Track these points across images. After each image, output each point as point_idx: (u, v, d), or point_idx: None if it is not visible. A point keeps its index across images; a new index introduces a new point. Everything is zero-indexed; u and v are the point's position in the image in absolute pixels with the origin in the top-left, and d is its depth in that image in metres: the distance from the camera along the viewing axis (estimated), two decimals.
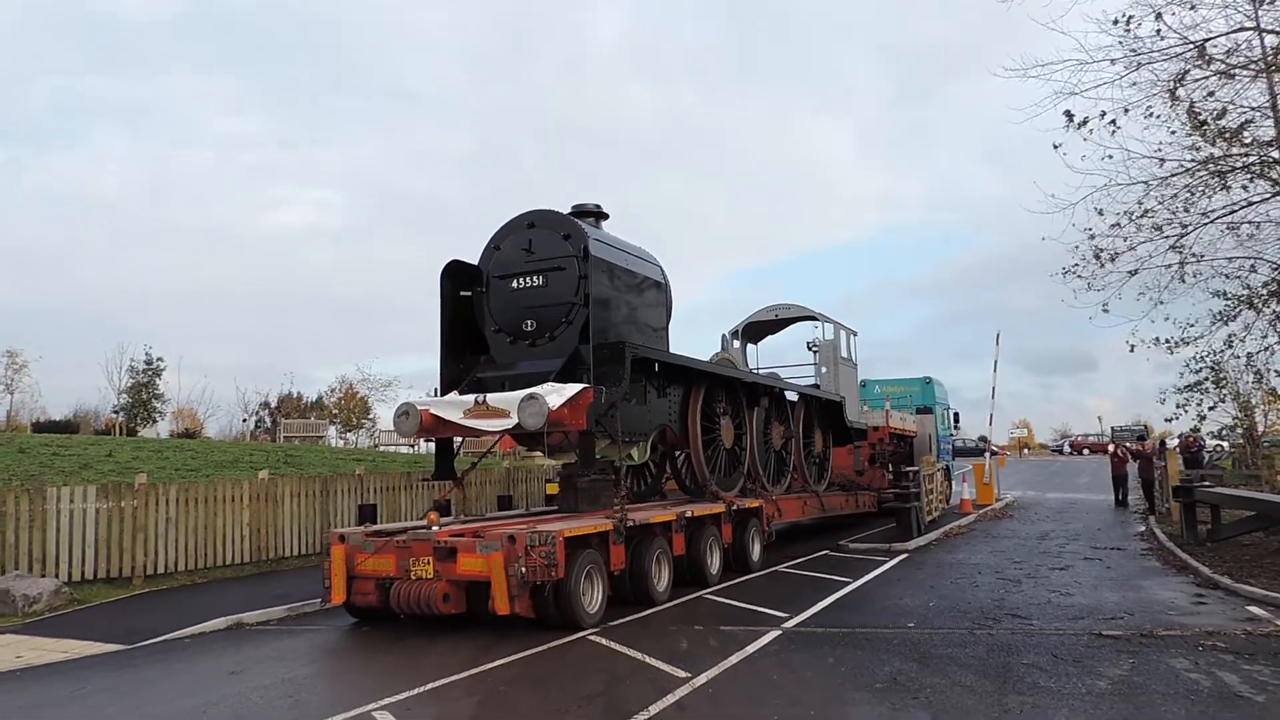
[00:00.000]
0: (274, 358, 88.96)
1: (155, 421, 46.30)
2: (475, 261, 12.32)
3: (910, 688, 7.14)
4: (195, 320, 73.62)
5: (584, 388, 10.52)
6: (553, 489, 16.14)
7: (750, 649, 8.47)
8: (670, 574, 11.43)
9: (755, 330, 20.18)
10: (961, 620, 9.68)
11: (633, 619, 10.06)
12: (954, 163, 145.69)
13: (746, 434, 14.80)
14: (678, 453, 14.92)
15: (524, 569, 9.20)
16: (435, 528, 10.33)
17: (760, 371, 18.41)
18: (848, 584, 12.25)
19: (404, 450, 40.31)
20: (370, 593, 10.10)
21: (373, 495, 16.62)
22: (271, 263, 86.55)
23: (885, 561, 14.53)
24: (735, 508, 13.42)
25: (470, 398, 10.86)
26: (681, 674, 7.61)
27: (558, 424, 10.32)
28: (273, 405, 54.71)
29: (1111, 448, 26.96)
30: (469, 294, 12.27)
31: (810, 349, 20.03)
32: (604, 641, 8.96)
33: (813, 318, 19.48)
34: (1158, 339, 16.06)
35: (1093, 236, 15.25)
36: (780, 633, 9.19)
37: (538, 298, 11.81)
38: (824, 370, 19.07)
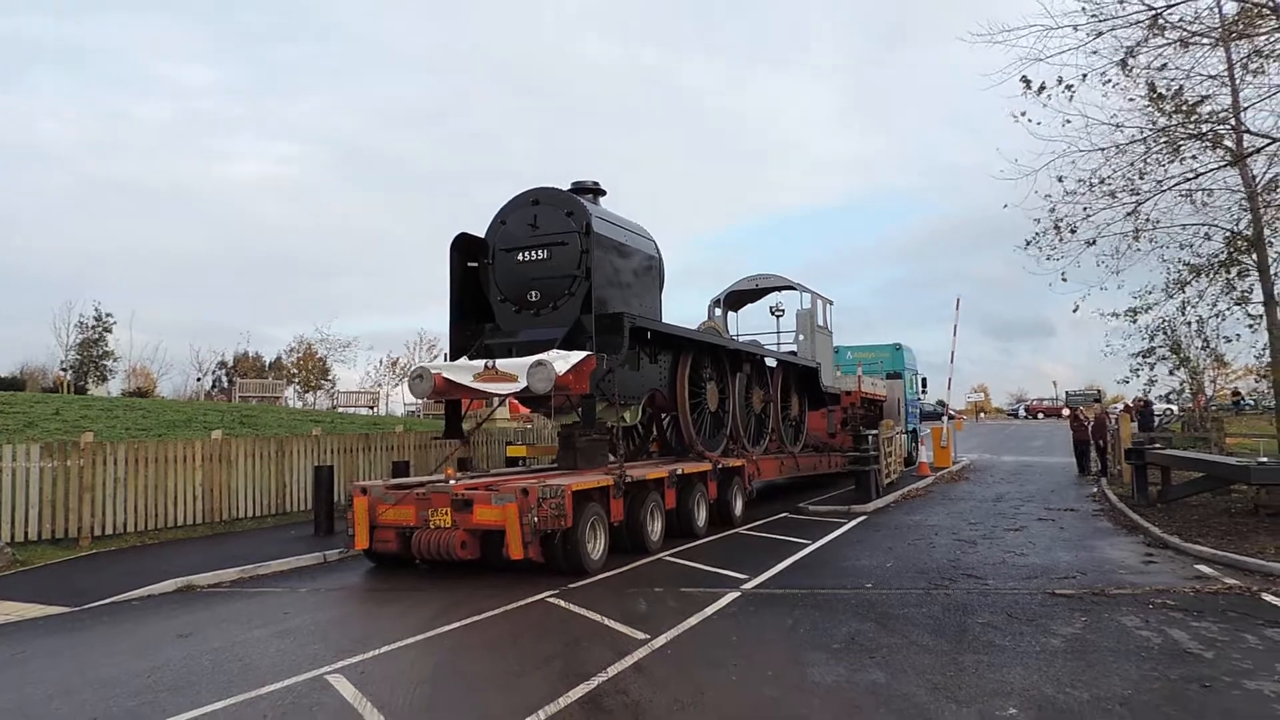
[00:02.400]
0: (230, 316, 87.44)
1: (106, 380, 45.33)
2: (482, 235, 13.13)
3: (868, 647, 7.17)
4: (147, 276, 72.07)
5: (588, 355, 11.46)
6: (515, 451, 16.20)
7: (709, 610, 8.45)
8: (663, 526, 12.38)
9: (736, 299, 20.98)
10: (918, 581, 9.77)
11: (608, 576, 10.04)
12: (922, 126, 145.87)
13: (730, 398, 15.67)
14: (664, 415, 15.90)
15: (536, 519, 10.11)
16: (453, 481, 11.31)
17: (742, 338, 19.30)
18: (806, 546, 12.32)
19: (363, 412, 39.92)
20: (391, 540, 11.02)
21: (330, 456, 16.40)
22: (226, 218, 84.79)
23: (844, 524, 14.65)
24: (720, 466, 14.35)
25: (480, 362, 11.83)
26: (640, 635, 7.57)
27: (563, 388, 11.26)
28: (229, 365, 53.86)
29: (1067, 412, 27.42)
30: (475, 265, 13.16)
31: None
32: (563, 604, 8.91)
33: (791, 287, 20.32)
34: (1115, 313, 16.26)
35: (1054, 208, 15.31)
36: (739, 594, 9.19)
37: (542, 270, 12.67)
38: (801, 338, 19.94)
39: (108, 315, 45.56)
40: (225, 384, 51.46)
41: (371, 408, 43.04)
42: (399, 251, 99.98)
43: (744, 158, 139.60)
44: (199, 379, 50.55)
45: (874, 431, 18.63)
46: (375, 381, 58.78)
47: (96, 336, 44.72)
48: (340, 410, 39.95)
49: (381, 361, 60.66)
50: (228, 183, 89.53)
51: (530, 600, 9.07)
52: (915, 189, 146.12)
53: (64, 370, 43.34)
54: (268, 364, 57.23)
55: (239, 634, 8.09)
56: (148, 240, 79.81)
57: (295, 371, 55.71)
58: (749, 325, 21.31)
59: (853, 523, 14.77)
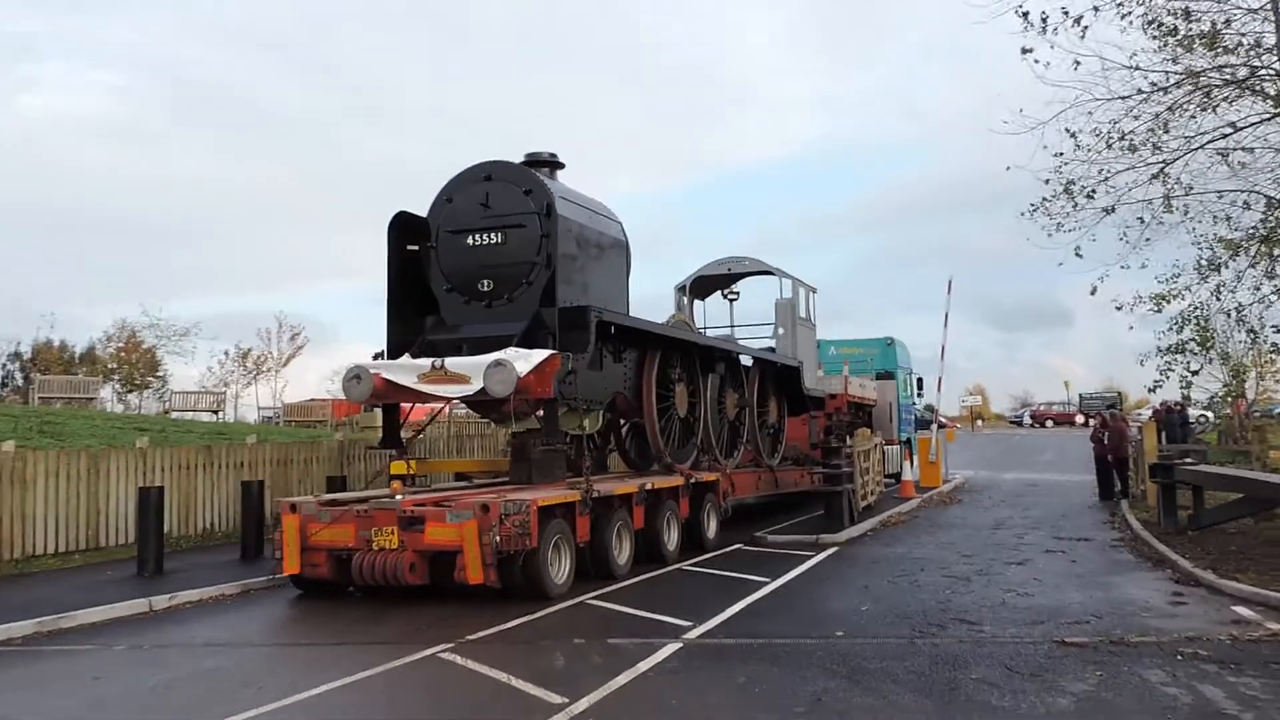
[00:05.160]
0: (27, 292, 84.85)
1: None
2: (423, 214, 13.81)
3: (838, 710, 7.24)
4: None
5: (551, 354, 12.20)
6: (398, 468, 16.10)
7: (643, 666, 8.46)
8: (631, 548, 13.29)
9: (704, 285, 21.54)
10: (900, 627, 9.90)
11: (519, 624, 9.99)
12: (904, 61, 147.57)
13: (701, 402, 16.53)
14: (623, 422, 16.86)
15: (498, 538, 10.86)
16: (399, 496, 11.94)
17: (705, 330, 20.10)
18: (765, 584, 12.42)
19: (204, 418, 39.10)
20: (322, 564, 11.84)
21: (160, 476, 16.05)
22: (22, 164, 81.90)
23: (811, 556, 14.80)
24: (693, 481, 15.27)
25: (426, 362, 12.56)
26: (556, 699, 7.54)
27: (524, 392, 12.04)
28: (25, 356, 52.16)
29: (1085, 420, 27.98)
30: (416, 249, 13.83)
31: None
32: (459, 660, 8.84)
33: (768, 271, 20.90)
34: (1140, 298, 16.60)
35: (1065, 164, 15.62)
36: (680, 645, 9.22)
37: (495, 256, 13.38)
38: (781, 332, 20.47)
39: None
40: (20, 381, 49.92)
41: (216, 412, 42.10)
42: (252, 214, 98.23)
43: (686, 102, 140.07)
44: None
45: (847, 445, 18.89)
46: (221, 379, 57.61)
47: None
48: (175, 415, 39.06)
49: (229, 354, 59.30)
50: (24, 119, 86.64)
51: (427, 653, 8.98)
52: (896, 142, 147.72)
53: None
54: (78, 356, 55.64)
55: (34, 703, 7.83)
56: None
57: (115, 366, 54.26)
58: (713, 315, 21.90)
59: (821, 555, 14.93)
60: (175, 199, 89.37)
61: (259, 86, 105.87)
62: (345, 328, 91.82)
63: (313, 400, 50.25)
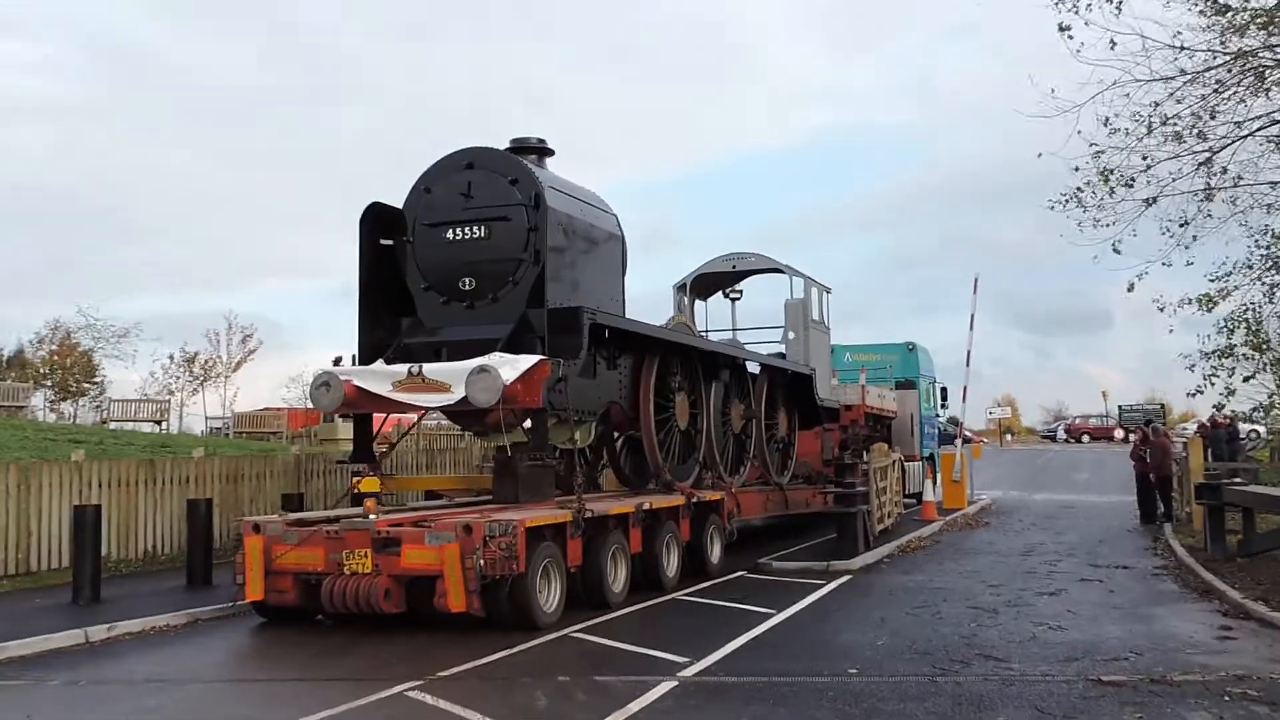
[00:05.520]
0: None
1: None
2: (399, 205, 13.99)
3: None
4: None
5: (540, 360, 12.32)
6: (369, 485, 16.19)
7: (633, 707, 8.47)
8: (628, 574, 13.46)
9: (706, 284, 21.69)
10: (919, 664, 9.93)
11: (494, 660, 10.01)
12: (921, 40, 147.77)
13: (704, 413, 16.72)
14: (617, 435, 16.96)
15: (482, 561, 10.92)
16: (373, 516, 12.00)
17: (707, 334, 20.26)
18: (770, 616, 12.43)
19: (145, 429, 39.06)
20: (288, 590, 11.94)
21: (97, 493, 16.07)
22: None
23: (821, 585, 14.83)
24: (695, 500, 15.38)
25: (403, 368, 12.68)
26: None
27: (510, 401, 12.12)
28: None
29: (1125, 435, 27.98)
30: (391, 244, 14.01)
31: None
32: (428, 699, 8.86)
33: (777, 269, 21.04)
34: (1188, 299, 16.65)
35: (1100, 152, 15.68)
36: (676, 684, 9.23)
37: (478, 251, 13.48)
38: (791, 335, 20.55)
39: None
40: None
41: (159, 423, 42.14)
42: (201, 203, 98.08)
43: (686, 81, 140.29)
44: None
45: (862, 461, 18.94)
46: (164, 386, 57.61)
47: None
48: (114, 426, 39.00)
49: (173, 358, 59.44)
50: None
51: (388, 693, 9.01)
52: (913, 127, 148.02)
53: None
54: (6, 359, 55.59)
55: None
56: None
57: (47, 371, 54.19)
58: (715, 317, 22.15)
59: (833, 584, 14.96)
60: (113, 185, 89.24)
61: (208, 61, 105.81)
62: (303, 330, 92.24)
63: (266, 410, 50.18)
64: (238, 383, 62.92)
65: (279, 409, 50.42)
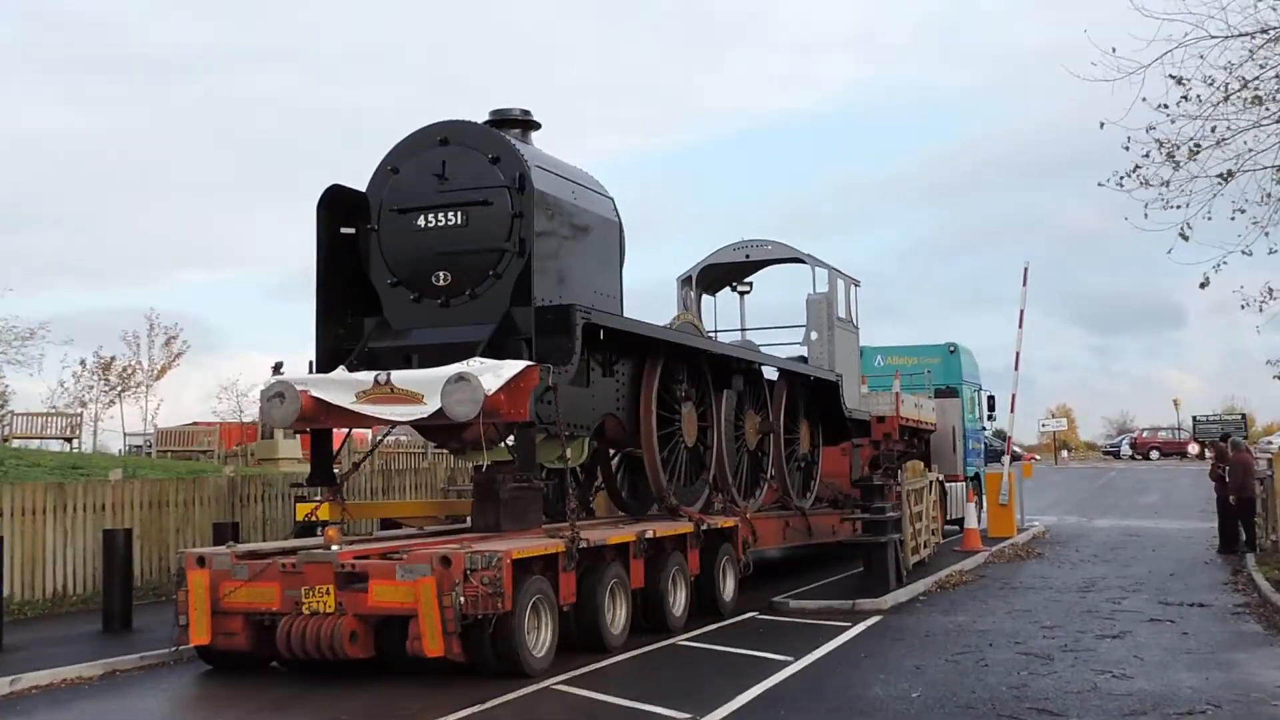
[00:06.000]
0: None
1: None
2: (361, 188, 14.09)
3: None
4: None
5: (527, 366, 12.27)
6: (328, 513, 16.18)
7: None
8: (628, 613, 13.48)
9: (715, 276, 21.80)
10: (962, 719, 9.86)
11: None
12: None
13: (713, 427, 16.78)
14: (613, 452, 17.17)
15: (462, 599, 10.77)
16: (336, 547, 11.94)
17: (716, 334, 20.33)
18: (787, 664, 12.37)
19: (54, 447, 38.88)
20: (238, 632, 11.85)
21: None
22: None
23: (846, 627, 14.78)
24: (705, 528, 15.37)
25: (368, 376, 12.70)
26: None
27: (492, 414, 12.08)
28: None
29: (1199, 450, 27.88)
30: (353, 232, 14.06)
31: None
32: None
33: (797, 259, 21.18)
34: (1272, 290, 16.54)
35: (1172, 120, 15.54)
36: None
37: (454, 241, 13.52)
38: (814, 336, 20.62)
39: None
40: None
41: (70, 440, 41.92)
42: (118, 183, 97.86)
43: (685, 36, 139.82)
44: None
45: (894, 482, 18.84)
46: (76, 397, 57.31)
47: None
48: (17, 444, 38.84)
49: (85, 364, 58.96)
50: None
51: None
52: (951, 90, 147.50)
53: None
54: None
55: None
56: None
57: None
58: (723, 314, 22.27)
59: (860, 626, 14.90)
60: (12, 162, 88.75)
61: (129, 21, 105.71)
62: (236, 330, 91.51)
63: (194, 425, 49.88)
64: (161, 393, 62.16)
65: (209, 424, 50.09)
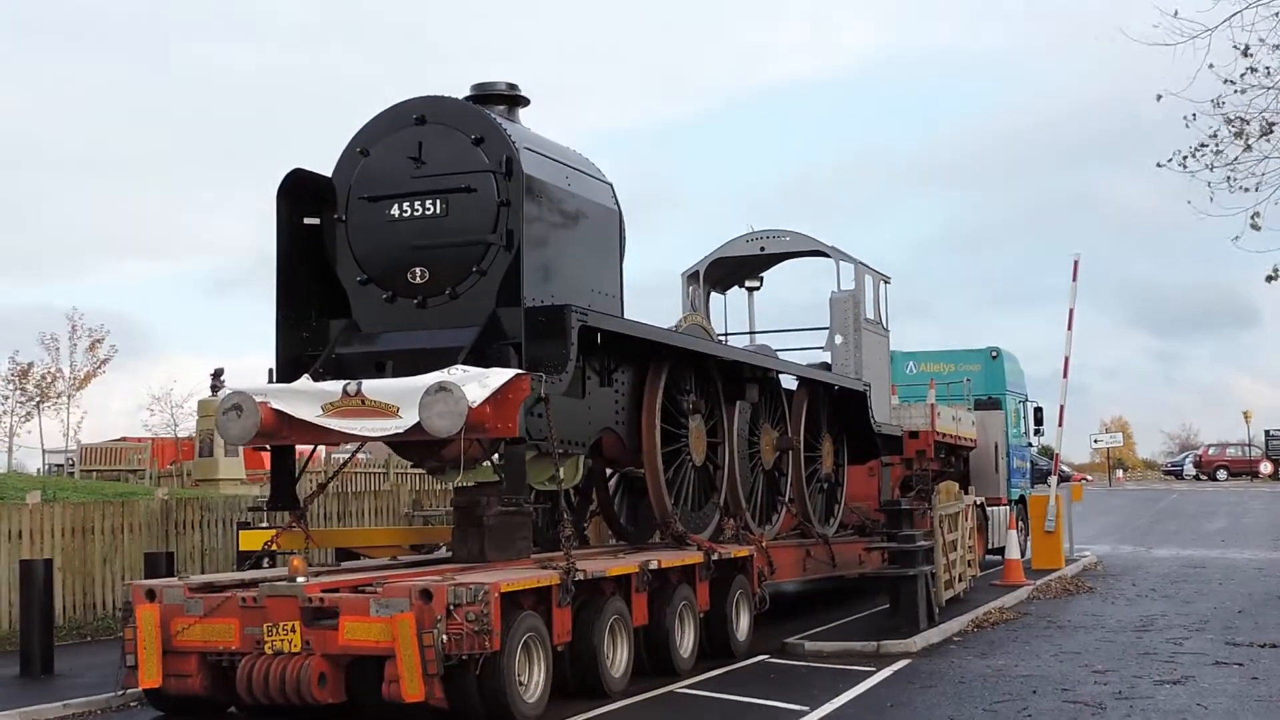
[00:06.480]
0: None
1: None
2: (327, 173, 14.03)
3: None
4: None
5: (516, 374, 12.16)
6: (252, 541, 16.25)
7: None
8: (629, 654, 13.44)
9: (726, 270, 21.72)
10: None
11: None
12: None
13: (724, 443, 16.79)
14: (611, 472, 17.17)
15: (445, 637, 10.67)
16: (302, 579, 11.80)
17: (726, 337, 20.27)
18: (803, 714, 12.43)
19: None
20: (192, 674, 11.74)
21: None
22: None
23: (870, 672, 14.81)
24: (716, 558, 15.27)
25: (335, 386, 12.60)
26: None
27: (476, 428, 12.00)
28: None
29: (1274, 469, 28.05)
30: (317, 223, 14.02)
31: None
32: None
33: (820, 252, 21.17)
34: None
35: (1241, 91, 15.68)
36: None
37: (432, 233, 13.42)
38: (839, 340, 20.45)
39: None
40: None
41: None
42: (33, 161, 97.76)
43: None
44: None
45: (924, 507, 18.95)
46: None
47: None
48: None
49: None
50: None
51: None
52: (986, 54, 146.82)
53: None
54: None
55: None
56: None
57: None
58: (732, 314, 22.19)
59: (885, 671, 14.92)
60: None
61: None
62: (169, 331, 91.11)
63: (123, 440, 49.88)
64: (85, 404, 62.10)
65: (139, 439, 49.99)
